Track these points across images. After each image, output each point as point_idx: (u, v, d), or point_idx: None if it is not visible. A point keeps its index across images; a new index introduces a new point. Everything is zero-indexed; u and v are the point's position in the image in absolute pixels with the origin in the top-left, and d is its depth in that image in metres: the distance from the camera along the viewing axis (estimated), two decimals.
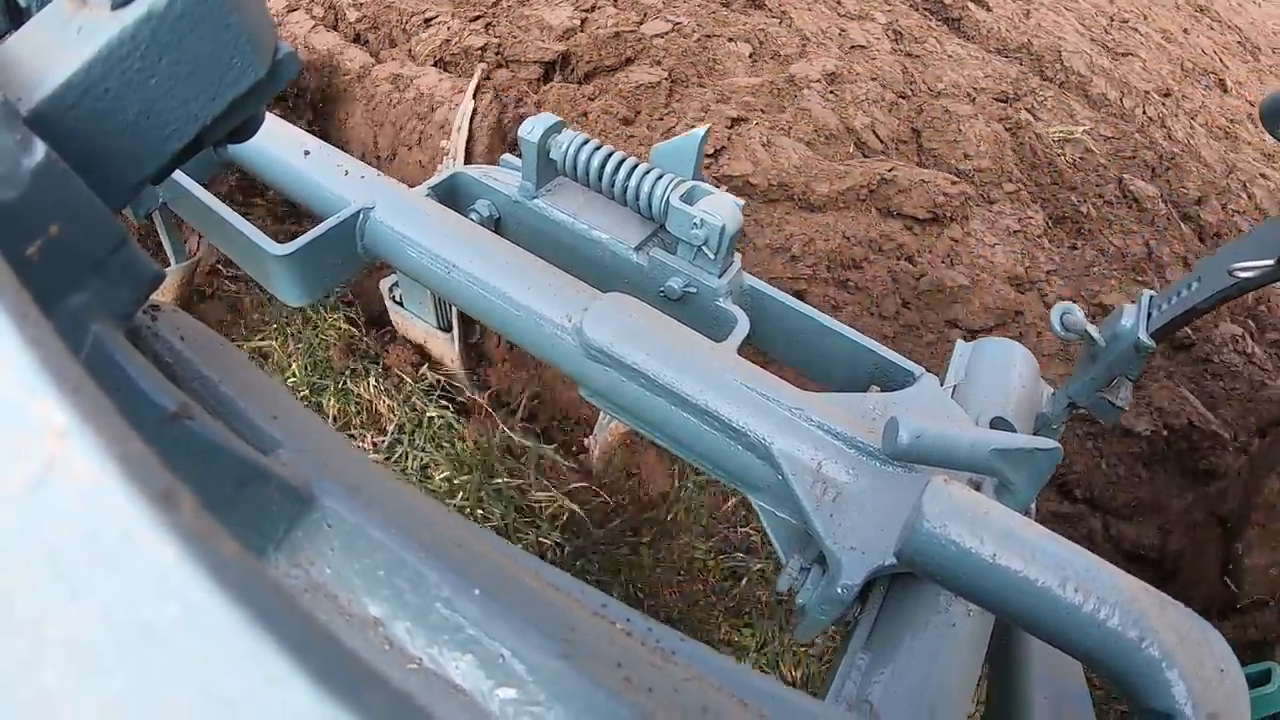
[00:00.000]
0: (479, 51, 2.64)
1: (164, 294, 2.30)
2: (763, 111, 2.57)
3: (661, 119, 2.48)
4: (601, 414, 2.11)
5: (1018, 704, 1.13)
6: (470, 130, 2.27)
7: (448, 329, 2.14)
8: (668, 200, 1.37)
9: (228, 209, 1.49)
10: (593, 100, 2.52)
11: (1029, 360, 1.41)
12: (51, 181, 0.46)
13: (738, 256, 1.45)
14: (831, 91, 2.71)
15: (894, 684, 0.98)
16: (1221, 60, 4.32)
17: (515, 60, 2.63)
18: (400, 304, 2.09)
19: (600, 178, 1.44)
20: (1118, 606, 0.74)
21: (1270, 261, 1.12)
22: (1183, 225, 2.83)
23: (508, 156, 1.67)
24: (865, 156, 2.55)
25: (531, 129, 1.44)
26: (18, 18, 0.75)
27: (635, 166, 1.43)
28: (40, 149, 0.46)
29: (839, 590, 1.05)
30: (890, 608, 1.08)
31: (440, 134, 2.36)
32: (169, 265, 2.21)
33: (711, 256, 1.38)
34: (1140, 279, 2.53)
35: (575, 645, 0.53)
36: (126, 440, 0.30)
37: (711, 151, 2.38)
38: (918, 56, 3.11)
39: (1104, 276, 2.46)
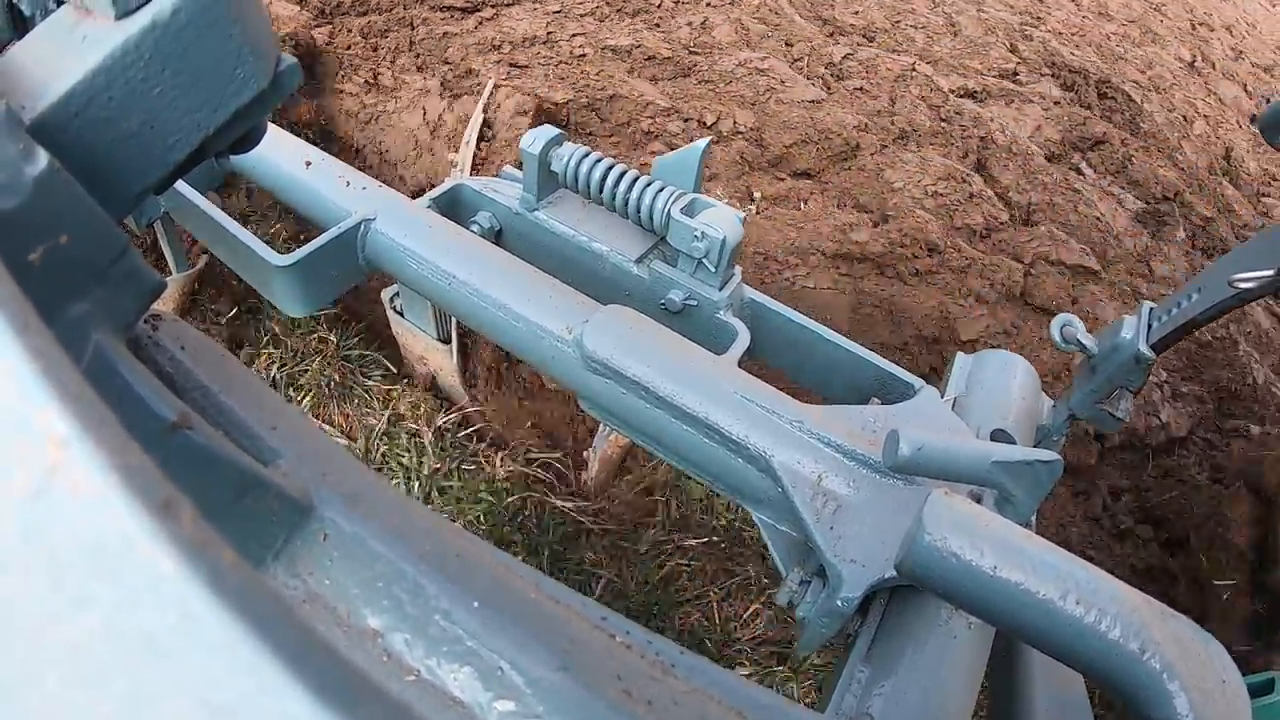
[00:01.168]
0: None
1: (165, 303, 2.30)
2: None
3: None
4: (601, 426, 2.11)
5: (1019, 717, 1.12)
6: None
7: (447, 341, 2.14)
8: (668, 213, 1.37)
9: (229, 219, 1.50)
10: None
11: (1029, 372, 1.41)
12: (54, 190, 0.46)
13: (738, 269, 1.45)
14: None
15: (894, 697, 0.98)
16: None
17: None
18: (401, 314, 2.09)
19: (601, 190, 1.45)
20: (1119, 619, 0.74)
21: (1270, 271, 1.12)
22: (808, 23, 3.55)
23: (509, 168, 1.67)
24: None
25: (533, 141, 1.45)
26: (22, 26, 0.75)
27: (636, 179, 1.43)
28: (43, 158, 0.46)
29: (839, 603, 1.04)
30: (891, 621, 1.08)
31: None
32: (170, 274, 2.21)
33: (712, 269, 1.38)
34: (693, 46, 3.15)
35: (574, 658, 0.53)
36: (127, 450, 0.30)
37: None
38: None
39: (634, 33, 3.13)
